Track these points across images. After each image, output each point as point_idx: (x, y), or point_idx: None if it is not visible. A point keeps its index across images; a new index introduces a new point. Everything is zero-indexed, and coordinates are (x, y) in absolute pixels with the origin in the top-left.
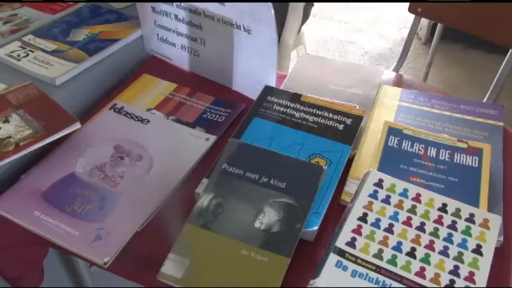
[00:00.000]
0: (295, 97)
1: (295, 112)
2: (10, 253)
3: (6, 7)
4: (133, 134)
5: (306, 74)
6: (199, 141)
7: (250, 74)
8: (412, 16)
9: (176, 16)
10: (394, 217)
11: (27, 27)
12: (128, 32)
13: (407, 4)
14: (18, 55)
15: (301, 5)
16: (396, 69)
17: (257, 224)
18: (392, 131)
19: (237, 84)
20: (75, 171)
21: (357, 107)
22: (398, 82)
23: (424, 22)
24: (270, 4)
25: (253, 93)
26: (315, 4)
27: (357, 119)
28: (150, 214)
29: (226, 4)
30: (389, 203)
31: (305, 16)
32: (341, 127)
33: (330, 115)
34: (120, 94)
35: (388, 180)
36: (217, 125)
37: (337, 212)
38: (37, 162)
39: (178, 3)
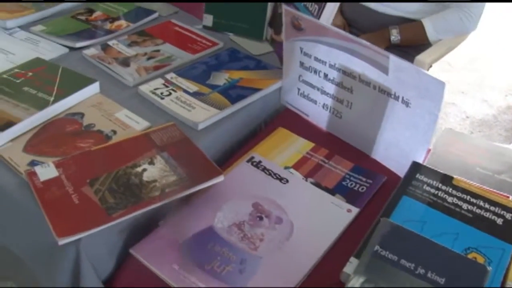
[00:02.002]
0: (446, 179)
1: (447, 196)
2: None
3: (149, 42)
4: (271, 193)
5: (450, 152)
6: (341, 212)
7: (396, 146)
8: None
9: (325, 75)
10: None
11: (169, 64)
12: (269, 83)
13: None
14: (162, 93)
15: None
16: None
17: None
18: None
19: (378, 154)
20: (213, 225)
21: (510, 197)
22: None
23: None
24: (444, 83)
25: (395, 166)
26: None
27: None
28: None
29: (390, 73)
30: None
31: None
32: (499, 221)
33: (486, 206)
34: (257, 146)
35: None
36: (358, 195)
37: None
38: (174, 208)
39: (333, 63)
